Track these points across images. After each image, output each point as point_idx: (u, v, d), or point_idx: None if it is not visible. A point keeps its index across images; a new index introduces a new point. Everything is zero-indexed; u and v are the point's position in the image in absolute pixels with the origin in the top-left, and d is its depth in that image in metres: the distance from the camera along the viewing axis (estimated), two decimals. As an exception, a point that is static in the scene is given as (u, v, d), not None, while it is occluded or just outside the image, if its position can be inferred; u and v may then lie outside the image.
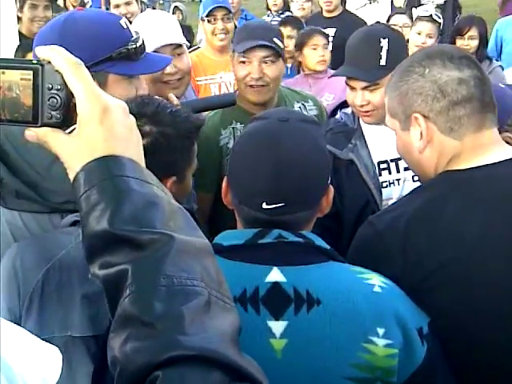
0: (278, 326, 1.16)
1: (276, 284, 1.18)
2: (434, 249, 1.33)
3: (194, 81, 3.34)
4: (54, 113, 0.79)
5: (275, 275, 1.19)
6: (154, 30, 2.29)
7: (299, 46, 3.75)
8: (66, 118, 0.79)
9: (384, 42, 2.06)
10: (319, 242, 1.25)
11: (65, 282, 1.28)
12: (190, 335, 0.68)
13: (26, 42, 3.37)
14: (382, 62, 2.05)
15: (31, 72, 0.78)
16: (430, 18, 4.07)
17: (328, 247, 1.25)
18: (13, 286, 1.31)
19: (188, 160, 1.55)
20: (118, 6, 4.20)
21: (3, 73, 0.78)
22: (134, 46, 1.54)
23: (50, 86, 0.78)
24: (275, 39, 2.35)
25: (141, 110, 1.45)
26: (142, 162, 0.82)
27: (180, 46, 2.31)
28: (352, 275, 1.23)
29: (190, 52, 3.04)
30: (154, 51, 2.09)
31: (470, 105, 1.37)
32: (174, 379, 0.65)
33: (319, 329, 1.16)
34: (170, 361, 0.66)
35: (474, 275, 1.31)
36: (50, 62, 0.79)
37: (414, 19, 4.26)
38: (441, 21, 4.11)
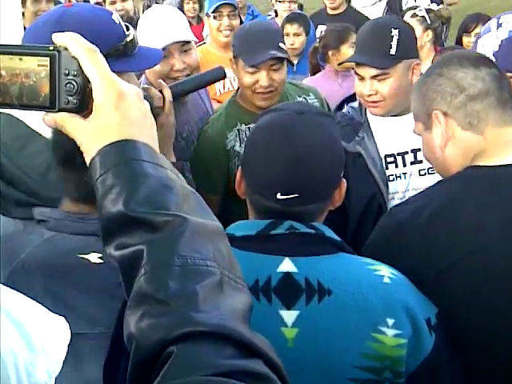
0: (289, 316, 1.19)
1: (288, 274, 1.20)
2: (453, 242, 1.34)
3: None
4: (70, 98, 0.80)
5: (287, 265, 1.21)
6: (162, 27, 2.29)
7: (335, 45, 3.64)
8: (83, 103, 0.81)
9: (395, 32, 2.07)
10: (330, 233, 1.27)
11: (31, 283, 1.21)
12: (204, 312, 0.70)
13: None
14: (392, 52, 2.06)
15: (48, 58, 0.80)
16: (413, 15, 4.12)
17: (338, 239, 1.27)
18: None
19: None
20: (113, 3, 4.23)
21: (21, 59, 0.80)
22: (130, 42, 1.52)
23: (67, 71, 0.80)
24: (280, 44, 2.32)
25: None
26: (156, 147, 0.83)
27: (188, 42, 2.32)
28: (362, 266, 1.25)
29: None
30: (163, 48, 2.10)
31: (487, 99, 1.40)
32: (188, 354, 0.67)
33: (330, 318, 1.18)
34: (183, 336, 0.68)
35: (493, 270, 1.32)
36: (66, 49, 0.80)
37: None
38: (422, 13, 4.11)
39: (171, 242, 0.74)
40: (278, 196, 1.23)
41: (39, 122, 0.88)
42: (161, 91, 1.88)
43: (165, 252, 0.74)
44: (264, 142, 1.28)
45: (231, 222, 1.31)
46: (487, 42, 1.65)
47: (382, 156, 2.18)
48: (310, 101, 2.53)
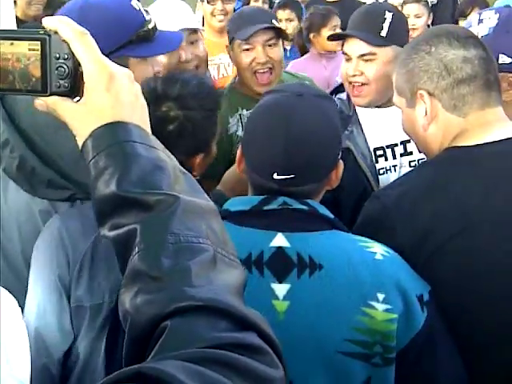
0: (281, 289, 1.20)
1: (280, 249, 1.22)
2: (438, 225, 1.35)
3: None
4: (61, 82, 0.80)
5: (279, 240, 1.22)
6: (169, 16, 2.27)
7: (316, 27, 3.71)
8: (74, 86, 0.81)
9: (388, 15, 2.06)
10: (323, 210, 1.28)
11: (108, 255, 1.28)
12: (197, 287, 0.71)
13: (27, 26, 3.37)
14: (383, 33, 2.04)
15: (39, 42, 0.80)
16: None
17: (332, 216, 1.28)
18: (61, 255, 1.33)
19: (212, 133, 1.59)
20: None
21: (12, 44, 0.80)
22: (150, 27, 1.55)
23: (58, 55, 0.80)
24: (273, 21, 2.35)
25: (166, 90, 1.49)
26: (148, 128, 0.84)
27: (195, 32, 2.30)
28: (354, 243, 1.26)
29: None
30: None
31: (474, 83, 1.40)
32: (182, 328, 0.68)
33: (320, 292, 1.20)
34: (177, 311, 0.68)
35: (474, 252, 1.33)
36: (56, 32, 0.80)
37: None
38: None
39: (164, 220, 0.75)
40: (275, 176, 1.25)
41: None
42: None
43: (158, 230, 0.75)
44: (263, 123, 1.30)
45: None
46: None
47: (372, 149, 2.14)
48: None
